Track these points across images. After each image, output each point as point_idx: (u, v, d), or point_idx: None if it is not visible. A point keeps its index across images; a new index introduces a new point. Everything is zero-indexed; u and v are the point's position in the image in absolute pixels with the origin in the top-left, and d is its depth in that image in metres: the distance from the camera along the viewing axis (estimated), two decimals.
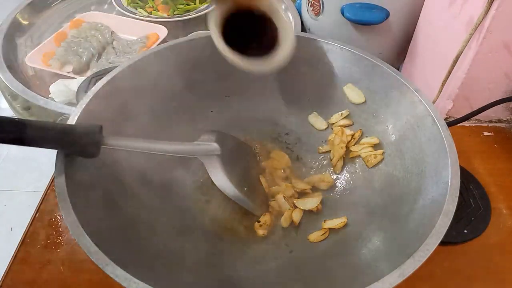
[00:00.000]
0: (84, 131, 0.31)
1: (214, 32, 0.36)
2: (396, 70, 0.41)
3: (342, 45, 0.44)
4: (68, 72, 0.66)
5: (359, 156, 0.44)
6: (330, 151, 0.46)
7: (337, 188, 0.44)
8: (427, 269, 0.39)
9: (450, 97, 0.53)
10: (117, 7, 0.79)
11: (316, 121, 0.48)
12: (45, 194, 0.46)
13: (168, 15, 0.80)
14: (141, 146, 0.35)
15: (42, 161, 1.30)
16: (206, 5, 0.81)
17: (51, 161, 0.30)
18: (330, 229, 0.39)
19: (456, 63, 0.48)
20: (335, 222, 0.39)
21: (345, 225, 0.39)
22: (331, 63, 0.45)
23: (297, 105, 0.48)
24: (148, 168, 0.40)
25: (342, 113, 0.46)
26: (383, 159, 0.42)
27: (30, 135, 0.28)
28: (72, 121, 0.34)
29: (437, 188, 0.32)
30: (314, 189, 0.44)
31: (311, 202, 0.42)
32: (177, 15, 0.79)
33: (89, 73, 0.66)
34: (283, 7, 0.76)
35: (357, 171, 0.44)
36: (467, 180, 0.46)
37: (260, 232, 0.40)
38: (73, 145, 0.31)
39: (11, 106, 0.62)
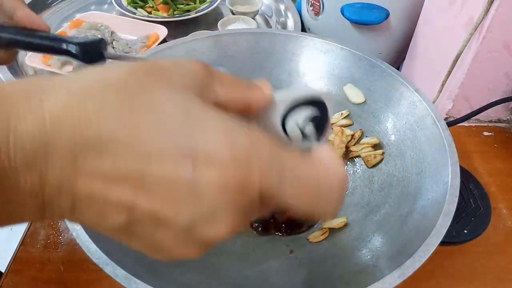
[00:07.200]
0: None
1: None
2: (396, 70, 0.41)
3: (342, 45, 0.44)
4: (68, 72, 0.66)
5: (359, 156, 0.44)
6: None
7: None
8: (427, 269, 0.39)
9: (450, 97, 0.53)
10: (117, 7, 0.79)
11: None
12: None
13: (168, 15, 0.80)
14: None
15: None
16: (206, 5, 0.82)
17: None
18: (330, 229, 0.39)
19: (456, 63, 0.48)
20: (335, 222, 0.39)
21: (345, 225, 0.39)
22: (331, 63, 0.45)
23: None
24: None
25: (342, 113, 0.46)
26: (383, 159, 0.42)
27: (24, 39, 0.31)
28: None
29: (437, 188, 0.32)
30: None
31: None
32: (177, 15, 0.79)
33: None
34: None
35: (357, 171, 0.44)
36: (467, 180, 0.46)
37: None
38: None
39: None
